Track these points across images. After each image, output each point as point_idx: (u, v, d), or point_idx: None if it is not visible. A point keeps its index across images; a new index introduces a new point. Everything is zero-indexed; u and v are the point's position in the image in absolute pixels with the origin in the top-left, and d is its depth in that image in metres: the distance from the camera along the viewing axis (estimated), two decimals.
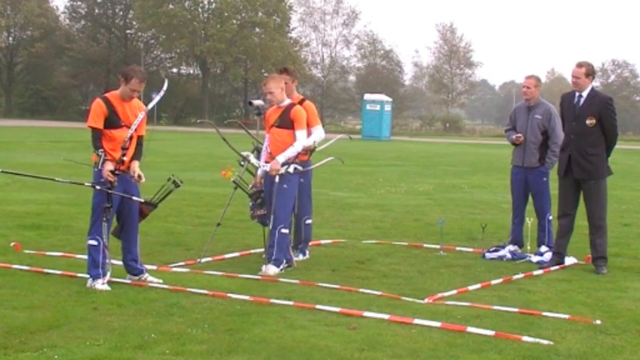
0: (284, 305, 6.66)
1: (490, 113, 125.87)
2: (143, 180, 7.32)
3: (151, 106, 7.66)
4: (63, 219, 11.25)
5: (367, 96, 55.86)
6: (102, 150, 7.15)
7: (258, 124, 9.37)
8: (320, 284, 7.51)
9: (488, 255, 9.31)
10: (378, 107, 52.59)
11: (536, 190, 9.55)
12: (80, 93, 76.66)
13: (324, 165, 9.14)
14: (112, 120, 7.21)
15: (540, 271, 8.52)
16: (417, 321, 6.20)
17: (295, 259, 8.58)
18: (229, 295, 6.90)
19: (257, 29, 70.20)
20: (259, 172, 8.48)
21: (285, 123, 8.24)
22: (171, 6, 67.49)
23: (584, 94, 8.71)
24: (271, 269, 8.04)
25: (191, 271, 8.02)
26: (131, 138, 7.27)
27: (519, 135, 9.49)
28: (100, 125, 7.19)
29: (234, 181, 8.70)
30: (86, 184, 7.40)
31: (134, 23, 73.29)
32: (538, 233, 9.56)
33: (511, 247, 9.43)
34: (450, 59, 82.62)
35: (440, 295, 7.20)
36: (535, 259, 9.16)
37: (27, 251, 8.72)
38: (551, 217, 9.53)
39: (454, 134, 69.46)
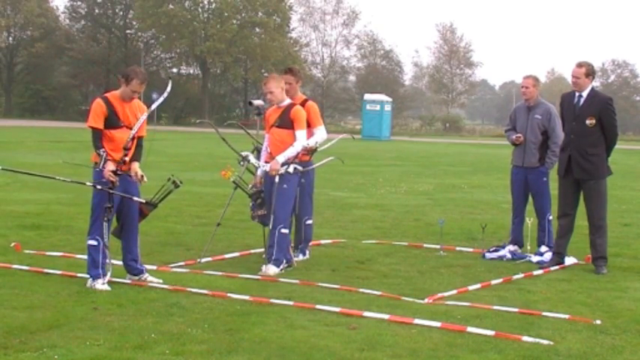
0: (284, 305, 6.65)
1: (490, 113, 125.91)
2: (145, 180, 7.33)
3: (154, 107, 7.65)
4: (63, 219, 11.25)
5: (367, 96, 55.89)
6: (103, 150, 7.15)
7: (258, 124, 9.36)
8: (320, 284, 7.51)
9: (488, 255, 9.31)
10: (378, 107, 52.60)
11: (536, 190, 9.55)
12: (80, 93, 76.69)
13: (324, 165, 9.14)
14: (112, 120, 7.21)
15: (540, 271, 8.52)
16: (417, 321, 6.20)
17: (295, 259, 8.58)
18: (229, 295, 6.90)
19: (257, 29, 70.22)
20: (259, 172, 8.48)
21: (285, 123, 8.24)
22: (171, 6, 67.52)
23: (584, 94, 8.71)
24: (271, 269, 8.04)
25: (191, 271, 8.02)
26: (133, 138, 7.27)
27: (519, 135, 9.49)
28: (100, 125, 7.19)
29: (234, 182, 8.70)
30: (87, 183, 7.40)
31: (134, 23, 73.33)
32: (538, 233, 9.56)
33: (511, 247, 9.43)
34: (450, 59, 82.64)
35: (440, 295, 7.20)
36: (535, 259, 9.16)
37: (27, 251, 8.72)
38: (551, 217, 9.53)
39: (454, 134, 69.47)
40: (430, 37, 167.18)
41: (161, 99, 7.74)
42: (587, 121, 8.59)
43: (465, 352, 5.54)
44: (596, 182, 8.66)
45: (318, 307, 6.58)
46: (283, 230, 8.16)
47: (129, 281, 7.38)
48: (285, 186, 8.17)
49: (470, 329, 6.01)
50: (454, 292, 7.37)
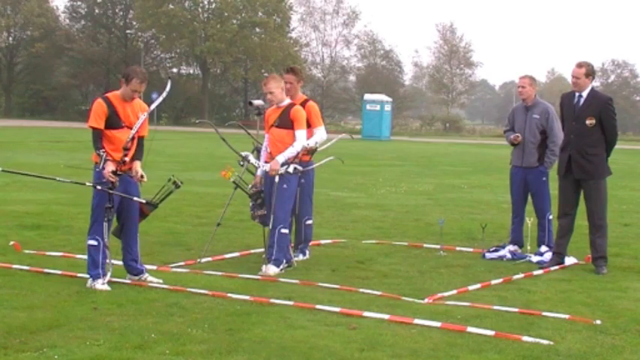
0: (284, 305, 6.65)
1: (490, 113, 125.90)
2: (145, 179, 7.33)
3: (153, 106, 7.65)
4: (63, 219, 11.25)
5: (367, 96, 55.88)
6: (103, 150, 7.14)
7: (258, 124, 9.37)
8: (320, 284, 7.51)
9: (488, 255, 9.31)
10: (378, 107, 52.60)
11: (536, 190, 9.55)
12: (80, 93, 76.68)
13: (324, 165, 9.14)
14: (113, 120, 7.20)
15: (540, 271, 8.52)
16: (417, 321, 6.20)
17: (295, 259, 8.58)
18: (229, 295, 6.90)
19: (257, 29, 70.21)
20: (259, 172, 8.48)
21: (284, 123, 8.24)
22: (171, 6, 67.51)
23: (584, 94, 8.71)
24: (271, 269, 8.04)
25: (191, 271, 8.02)
26: (133, 139, 7.26)
27: (517, 135, 9.50)
28: (101, 125, 7.18)
29: (234, 182, 8.70)
30: (87, 184, 7.39)
31: (134, 23, 73.32)
32: (538, 233, 9.56)
33: (511, 247, 9.43)
34: (450, 59, 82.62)
35: (440, 295, 7.20)
36: (535, 259, 9.16)
37: (27, 251, 8.72)
38: (551, 217, 9.53)
39: (454, 134, 69.46)
40: (430, 37, 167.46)
41: (160, 99, 7.74)
42: (587, 121, 8.59)
43: (465, 352, 5.54)
44: (596, 182, 8.66)
45: (318, 307, 6.58)
46: (283, 230, 8.16)
47: (129, 281, 7.38)
48: (284, 186, 8.17)
49: (470, 329, 6.01)
50: (454, 292, 7.37)
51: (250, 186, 8.63)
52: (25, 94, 72.16)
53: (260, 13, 69.53)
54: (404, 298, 7.05)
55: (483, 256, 9.32)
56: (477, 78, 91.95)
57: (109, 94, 7.38)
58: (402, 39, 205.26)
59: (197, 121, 57.59)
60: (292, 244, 8.70)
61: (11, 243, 8.93)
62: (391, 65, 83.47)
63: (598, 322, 6.37)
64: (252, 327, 5.98)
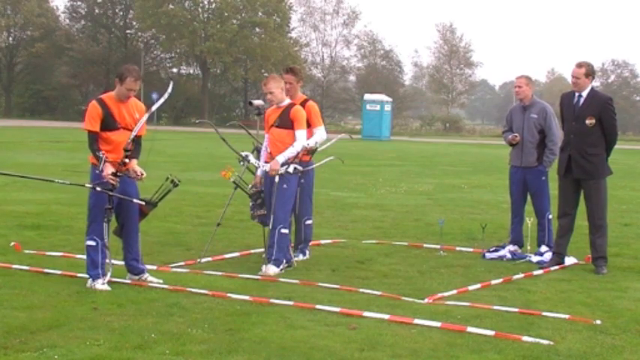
0: (284, 305, 6.66)
1: (490, 113, 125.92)
2: (144, 175, 7.30)
3: (154, 107, 7.65)
4: (63, 219, 11.25)
5: (367, 96, 55.85)
6: (102, 152, 7.11)
7: (258, 124, 9.37)
8: (320, 284, 7.51)
9: (488, 255, 9.31)
10: (378, 107, 52.57)
11: (535, 190, 9.55)
12: (80, 93, 76.62)
13: (324, 165, 9.14)
14: (108, 122, 7.17)
15: (540, 271, 8.52)
16: (417, 321, 6.20)
17: (295, 259, 8.58)
18: (229, 295, 6.90)
19: (257, 29, 70.20)
20: (259, 172, 8.48)
21: (284, 123, 8.24)
22: (171, 6, 67.49)
23: (584, 94, 8.71)
24: (271, 269, 8.04)
25: (191, 271, 8.02)
26: (133, 140, 7.25)
27: (515, 135, 9.50)
28: (97, 128, 7.15)
29: (234, 182, 8.70)
30: (86, 185, 7.38)
31: (134, 23, 73.31)
32: (538, 233, 9.56)
33: (511, 247, 9.43)
34: (450, 59, 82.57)
35: (440, 295, 7.20)
36: (535, 259, 9.16)
37: (27, 251, 8.73)
38: (550, 217, 9.53)
39: (454, 134, 69.43)
40: (430, 37, 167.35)
41: (162, 100, 7.74)
42: (587, 121, 8.59)
43: (465, 352, 5.54)
44: (596, 182, 8.66)
45: (318, 307, 6.58)
46: (283, 230, 8.16)
47: (129, 281, 7.38)
48: (284, 186, 8.17)
49: (470, 329, 6.01)
50: (454, 292, 7.37)
51: (250, 186, 8.63)
52: (25, 94, 72.14)
53: (260, 13, 69.52)
54: (404, 298, 7.05)
55: (483, 256, 9.32)
56: (476, 78, 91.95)
57: (103, 96, 7.35)
58: (402, 39, 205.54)
59: (197, 121, 57.55)
60: (292, 244, 8.70)
61: (12, 243, 8.93)
62: (391, 65, 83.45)
63: (598, 322, 6.37)
64: (252, 327, 5.98)
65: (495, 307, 6.76)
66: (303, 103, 8.62)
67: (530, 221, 9.52)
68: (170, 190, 7.65)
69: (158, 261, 8.37)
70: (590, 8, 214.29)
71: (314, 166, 8.89)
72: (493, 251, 9.37)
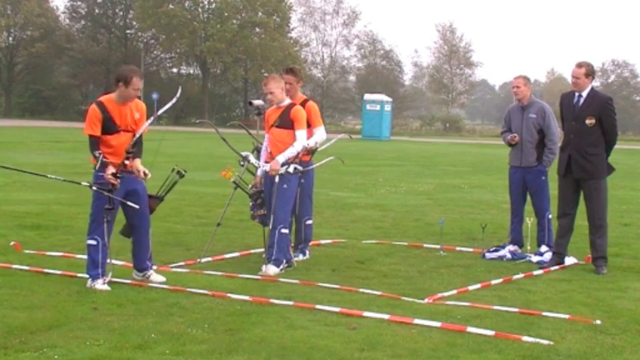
0: (284, 305, 6.65)
1: (490, 113, 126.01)
2: (149, 175, 7.32)
3: (161, 111, 7.66)
4: (63, 219, 11.25)
5: (367, 96, 55.89)
6: (99, 151, 7.09)
7: (258, 124, 9.37)
8: (320, 284, 7.51)
9: (488, 255, 9.31)
10: (378, 107, 52.61)
11: (535, 190, 9.55)
12: (80, 93, 76.70)
13: (324, 165, 9.14)
14: (108, 126, 7.15)
15: (540, 271, 8.52)
16: (417, 321, 6.20)
17: (295, 259, 8.58)
18: (229, 295, 6.90)
19: (257, 29, 70.24)
20: (259, 172, 8.48)
21: (284, 123, 8.24)
22: (171, 6, 67.53)
23: (584, 94, 8.71)
24: (271, 269, 8.04)
25: (191, 271, 8.02)
26: (135, 142, 7.24)
27: (514, 135, 9.50)
28: (98, 132, 7.13)
29: (234, 182, 8.71)
30: (83, 183, 7.37)
31: (134, 23, 73.34)
32: (538, 233, 9.56)
33: (511, 247, 9.43)
34: (450, 59, 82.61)
35: (440, 295, 7.20)
36: (535, 259, 9.16)
37: (27, 251, 8.73)
38: (550, 217, 9.53)
39: (454, 134, 69.45)
40: (430, 37, 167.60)
41: (169, 104, 7.76)
42: (587, 121, 8.59)
43: (465, 352, 5.54)
44: (596, 182, 8.66)
45: (318, 307, 6.58)
46: (283, 230, 8.16)
47: (129, 281, 7.38)
48: (285, 186, 8.17)
49: (470, 329, 6.01)
50: (454, 292, 7.37)
51: (250, 186, 8.63)
52: (25, 94, 72.18)
53: (260, 13, 69.56)
54: (404, 298, 7.05)
55: (483, 256, 9.32)
56: (476, 78, 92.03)
57: (103, 99, 7.32)
58: (402, 39, 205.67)
59: (197, 121, 57.62)
60: (292, 244, 8.70)
61: (12, 243, 8.93)
62: (391, 65, 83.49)
63: (598, 322, 6.37)
64: (252, 327, 5.98)
65: (495, 307, 6.76)
66: (303, 103, 8.62)
67: (530, 221, 9.52)
68: (176, 182, 7.64)
69: (158, 261, 8.35)
70: (590, 8, 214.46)
71: (314, 166, 8.89)
72: (493, 251, 9.37)
